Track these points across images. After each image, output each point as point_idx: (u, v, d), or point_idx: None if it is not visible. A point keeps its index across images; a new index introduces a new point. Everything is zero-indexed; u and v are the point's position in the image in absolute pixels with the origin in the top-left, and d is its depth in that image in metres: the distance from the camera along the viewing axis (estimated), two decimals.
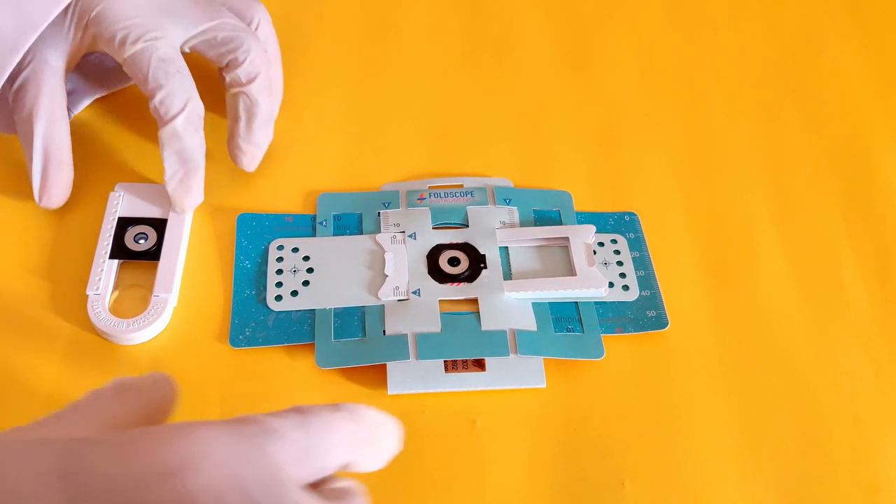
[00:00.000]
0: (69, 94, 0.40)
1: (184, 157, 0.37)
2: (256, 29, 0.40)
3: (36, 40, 0.35)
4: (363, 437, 0.25)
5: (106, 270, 0.36)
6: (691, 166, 0.45)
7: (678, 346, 0.38)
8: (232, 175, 0.41)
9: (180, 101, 0.35)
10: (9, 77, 0.36)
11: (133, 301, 0.37)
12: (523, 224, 0.40)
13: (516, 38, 0.50)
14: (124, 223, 0.38)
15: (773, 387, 0.38)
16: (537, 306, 0.37)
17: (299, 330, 0.36)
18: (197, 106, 0.36)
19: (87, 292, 0.36)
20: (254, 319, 0.36)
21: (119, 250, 0.37)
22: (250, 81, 0.38)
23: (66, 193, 0.38)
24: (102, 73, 0.43)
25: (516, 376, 0.35)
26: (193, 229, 0.39)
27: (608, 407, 0.36)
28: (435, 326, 0.35)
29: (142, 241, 0.38)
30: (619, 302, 0.38)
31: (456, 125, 0.45)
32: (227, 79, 0.38)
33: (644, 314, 0.37)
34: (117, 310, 0.36)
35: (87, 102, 0.43)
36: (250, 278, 0.38)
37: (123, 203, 0.39)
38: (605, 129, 0.46)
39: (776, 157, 0.46)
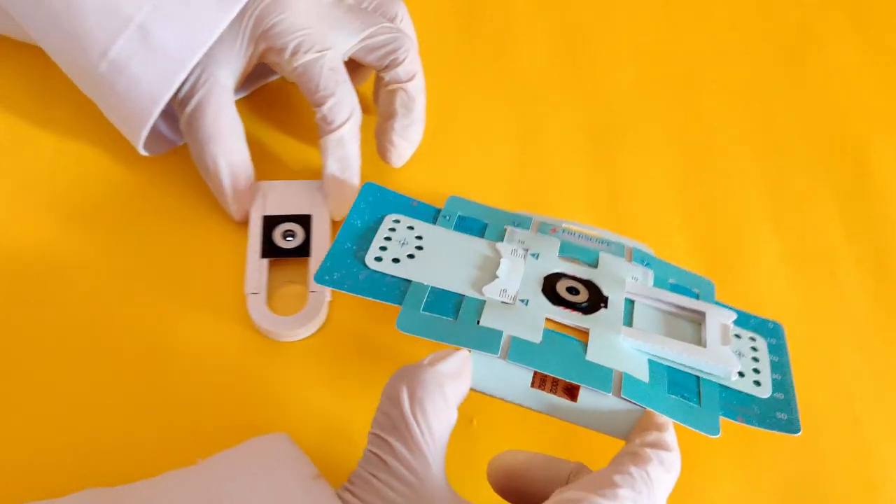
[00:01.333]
0: None
1: (345, 164, 0.37)
2: (400, 24, 0.40)
3: (208, 61, 0.36)
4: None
5: (260, 269, 0.36)
6: (684, 161, 0.44)
7: None
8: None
9: (347, 110, 0.36)
10: (181, 99, 0.36)
11: (289, 298, 0.36)
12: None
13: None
14: (270, 221, 0.37)
15: None
16: (654, 364, 0.32)
17: (389, 292, 0.32)
18: (359, 115, 0.37)
19: (246, 292, 0.35)
20: (346, 268, 0.33)
21: (270, 249, 0.37)
22: (410, 79, 0.38)
23: (252, 201, 0.38)
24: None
25: (607, 420, 0.29)
26: None
27: None
28: (535, 336, 0.31)
29: (290, 239, 0.37)
30: (745, 394, 0.32)
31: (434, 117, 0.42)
32: (386, 77, 0.39)
33: (773, 413, 0.31)
34: (275, 307, 0.36)
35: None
36: (356, 235, 0.35)
37: (267, 201, 0.38)
38: (598, 124, 0.45)
39: (772, 152, 0.44)
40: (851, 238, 0.41)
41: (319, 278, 0.32)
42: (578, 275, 0.35)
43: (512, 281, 0.33)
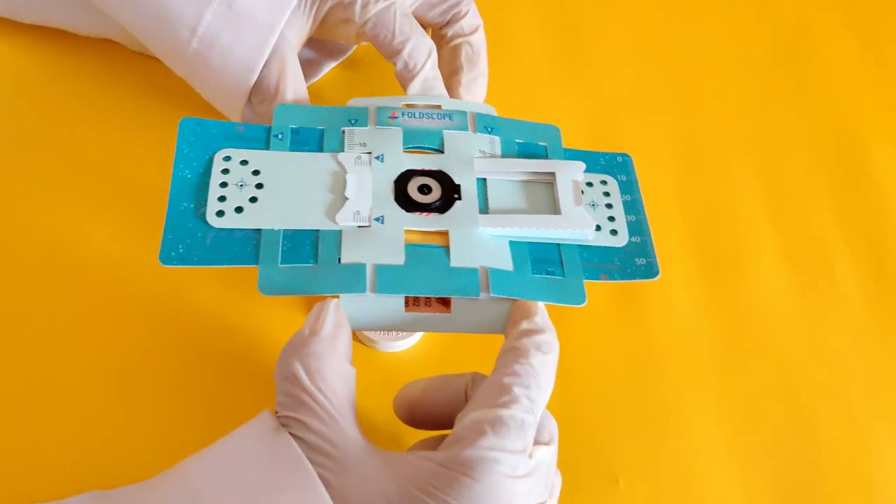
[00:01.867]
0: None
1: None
2: None
3: None
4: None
5: None
6: (682, 159, 0.44)
7: (668, 340, 0.38)
8: None
9: (426, 49, 0.37)
10: None
11: None
12: (505, 156, 0.35)
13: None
14: None
15: (766, 382, 0.37)
16: (515, 246, 0.33)
17: (241, 251, 0.31)
18: (436, 55, 0.38)
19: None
20: (190, 236, 0.31)
21: None
22: (473, 32, 0.39)
23: None
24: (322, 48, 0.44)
25: (484, 320, 0.31)
26: None
27: (572, 391, 0.35)
28: (398, 258, 0.31)
29: None
30: (605, 247, 0.34)
31: None
32: (450, 32, 0.39)
33: (633, 261, 0.33)
34: None
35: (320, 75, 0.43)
36: (190, 190, 0.33)
37: None
38: (597, 123, 0.44)
39: (769, 151, 0.45)
40: (849, 237, 0.42)
41: (165, 258, 0.31)
42: (427, 167, 0.34)
43: (363, 198, 0.33)
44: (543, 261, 0.33)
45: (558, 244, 0.33)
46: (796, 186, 0.44)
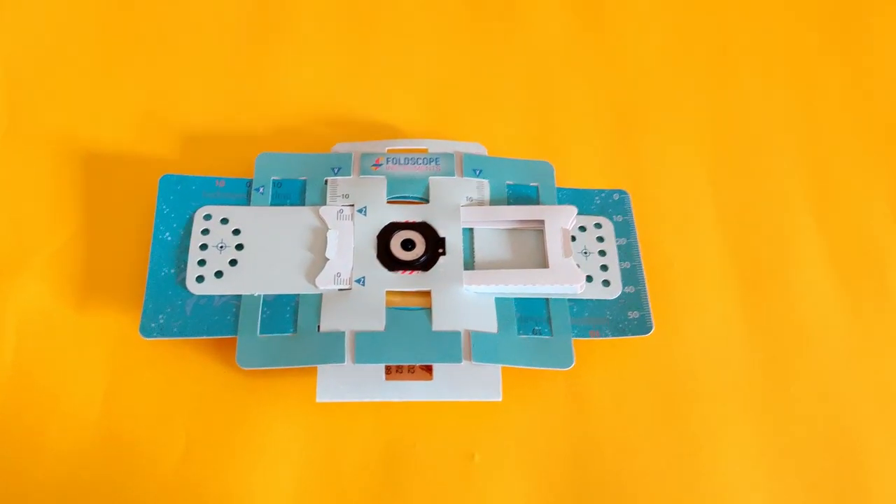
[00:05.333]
0: None
1: None
2: None
3: None
4: None
5: None
6: (718, 146, 0.38)
7: (698, 363, 0.33)
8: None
9: None
10: None
11: None
12: (494, 201, 0.34)
13: None
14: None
15: (810, 415, 0.32)
16: (501, 302, 0.32)
17: (221, 320, 0.31)
18: None
19: None
20: (170, 304, 0.31)
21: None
22: None
23: None
24: None
25: (467, 387, 0.30)
26: None
27: (590, 424, 0.32)
28: (378, 324, 0.30)
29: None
30: (597, 300, 0.32)
31: (438, 86, 0.39)
32: None
33: (625, 315, 0.32)
34: None
35: None
36: (170, 254, 0.32)
37: None
38: (620, 100, 0.40)
39: (817, 140, 0.39)
40: None
41: (145, 330, 0.31)
42: (412, 218, 0.33)
43: (344, 258, 0.32)
44: (530, 318, 0.32)
45: (546, 299, 0.32)
46: (849, 183, 0.38)
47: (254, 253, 0.32)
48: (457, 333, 0.30)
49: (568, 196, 0.35)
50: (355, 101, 0.39)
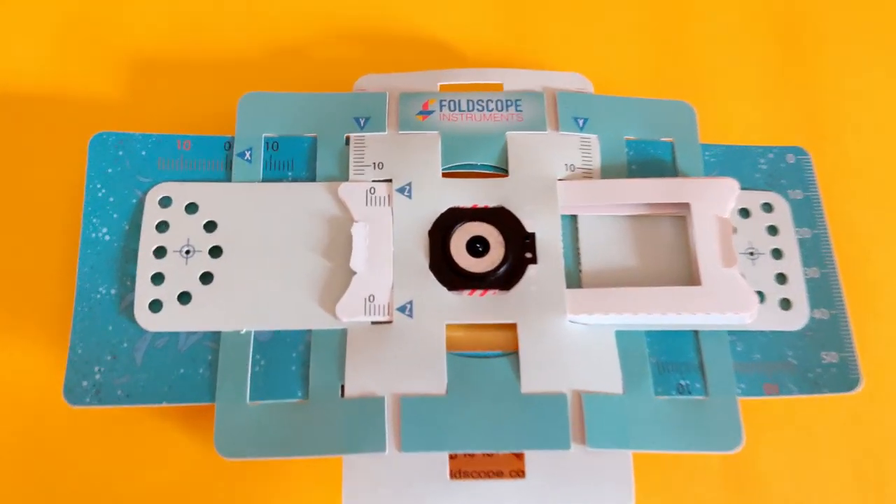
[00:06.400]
0: None
1: None
2: None
3: None
4: None
5: None
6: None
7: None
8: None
9: None
10: None
11: None
12: (607, 170, 0.22)
13: None
14: None
15: None
16: (625, 340, 0.20)
17: (189, 375, 0.20)
18: None
19: None
20: (110, 348, 0.20)
21: None
22: None
23: None
24: None
25: (582, 490, 0.19)
26: None
27: None
28: (435, 382, 0.19)
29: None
30: (771, 333, 0.21)
31: None
32: None
33: (816, 358, 0.21)
34: None
35: None
36: (108, 263, 0.21)
37: None
38: (784, 13, 0.27)
39: None
40: None
41: (72, 394, 0.20)
42: (482, 203, 0.21)
43: (378, 269, 0.20)
44: (672, 366, 0.20)
45: (695, 331, 0.21)
46: None
47: (238, 262, 0.21)
48: (560, 398, 0.19)
49: (719, 158, 0.23)
50: (390, 8, 0.26)
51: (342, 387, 0.19)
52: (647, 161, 0.22)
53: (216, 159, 0.22)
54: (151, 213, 0.21)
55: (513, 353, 0.20)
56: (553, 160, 0.22)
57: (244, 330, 0.20)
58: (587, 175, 0.22)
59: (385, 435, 0.19)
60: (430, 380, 0.19)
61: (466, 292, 0.20)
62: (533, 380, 0.19)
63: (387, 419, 0.19)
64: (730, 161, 0.23)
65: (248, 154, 0.22)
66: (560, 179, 0.21)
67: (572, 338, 0.20)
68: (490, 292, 0.20)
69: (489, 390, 0.19)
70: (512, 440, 0.19)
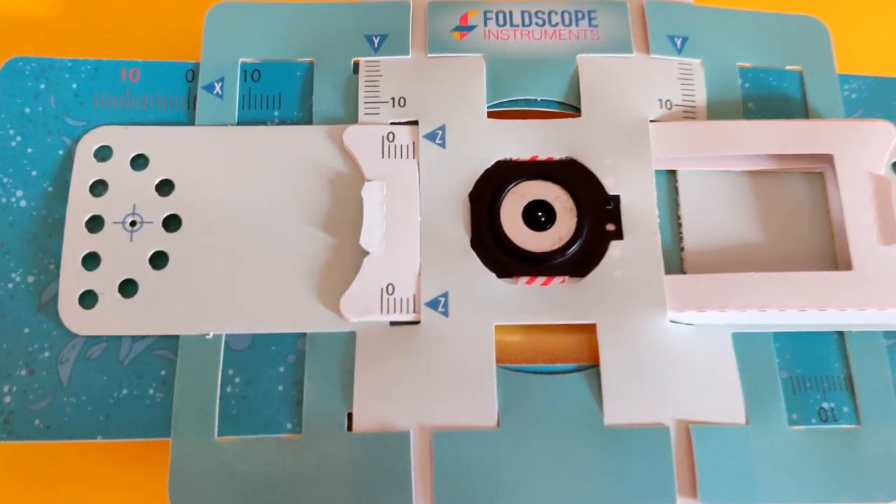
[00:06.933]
0: None
1: None
2: None
3: None
4: None
5: None
6: None
7: None
8: None
9: None
10: None
11: None
12: (715, 108, 0.16)
13: None
14: None
15: None
16: (744, 345, 0.15)
17: (136, 397, 0.14)
18: None
19: None
20: (25, 360, 0.14)
21: None
22: None
23: None
24: None
25: None
26: None
27: None
28: (483, 409, 0.14)
29: None
30: None
31: None
32: None
33: None
34: None
35: None
36: (23, 240, 0.15)
37: None
38: None
39: None
40: None
41: None
42: (545, 155, 0.15)
43: (399, 250, 0.14)
44: (811, 382, 0.15)
45: (840, 332, 0.15)
46: None
47: (202, 237, 0.15)
48: (660, 432, 0.14)
49: (863, 94, 0.17)
50: None
51: (349, 416, 0.14)
52: (769, 97, 0.16)
53: (175, 94, 0.16)
54: (84, 170, 0.15)
55: (591, 368, 0.14)
56: (642, 94, 0.16)
57: (211, 334, 0.14)
58: (689, 115, 0.16)
59: (411, 487, 0.13)
60: (475, 406, 0.14)
61: (524, 280, 0.14)
62: (621, 406, 0.14)
63: (412, 464, 0.13)
64: (878, 97, 0.17)
65: (218, 86, 0.16)
66: (652, 121, 0.16)
67: (674, 345, 0.14)
68: (557, 280, 0.15)
69: (558, 422, 0.14)
70: (591, 494, 0.13)
